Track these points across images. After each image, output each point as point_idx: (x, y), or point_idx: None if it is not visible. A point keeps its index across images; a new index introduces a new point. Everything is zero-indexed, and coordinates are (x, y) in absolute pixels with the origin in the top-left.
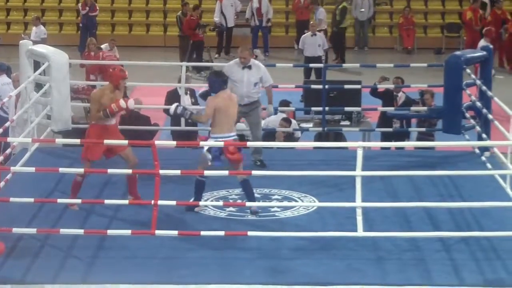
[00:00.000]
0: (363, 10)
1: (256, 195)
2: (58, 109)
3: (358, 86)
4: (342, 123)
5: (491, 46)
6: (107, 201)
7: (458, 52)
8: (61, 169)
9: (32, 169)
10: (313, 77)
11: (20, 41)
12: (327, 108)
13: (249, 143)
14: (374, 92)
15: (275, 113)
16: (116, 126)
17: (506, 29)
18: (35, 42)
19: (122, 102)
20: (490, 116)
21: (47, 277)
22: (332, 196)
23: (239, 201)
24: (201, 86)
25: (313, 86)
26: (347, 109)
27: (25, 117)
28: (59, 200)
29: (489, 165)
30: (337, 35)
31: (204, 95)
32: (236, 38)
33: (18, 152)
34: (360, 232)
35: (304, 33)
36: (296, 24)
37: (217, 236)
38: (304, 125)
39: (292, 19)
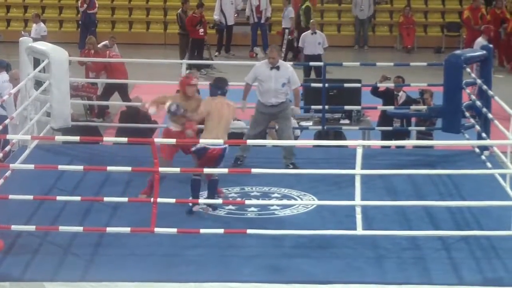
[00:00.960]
0: (362, 8)
1: (255, 193)
2: (57, 106)
3: (358, 85)
4: (342, 121)
5: (491, 45)
6: (106, 199)
7: (458, 51)
8: (60, 167)
9: (31, 166)
10: (313, 75)
11: (20, 38)
12: (327, 107)
13: (249, 141)
14: (375, 91)
15: None
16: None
17: (505, 29)
18: (35, 39)
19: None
20: (490, 115)
21: (46, 274)
22: (332, 195)
23: (238, 199)
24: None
25: (313, 85)
26: (347, 107)
27: (24, 114)
28: (58, 198)
29: (488, 164)
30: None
31: (174, 111)
32: (236, 36)
33: (17, 149)
34: (360, 231)
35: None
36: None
37: (216, 234)
38: (304, 123)
39: None
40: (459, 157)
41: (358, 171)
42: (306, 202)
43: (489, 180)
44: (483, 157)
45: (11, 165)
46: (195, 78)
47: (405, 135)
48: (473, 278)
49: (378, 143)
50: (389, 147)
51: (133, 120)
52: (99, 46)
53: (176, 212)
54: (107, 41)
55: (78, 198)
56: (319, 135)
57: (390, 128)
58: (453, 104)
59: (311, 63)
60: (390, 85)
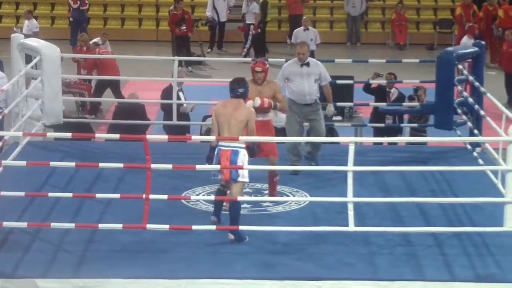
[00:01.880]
0: (355, 5)
1: (248, 189)
2: (49, 103)
3: (351, 82)
4: (334, 118)
5: (483, 42)
6: (98, 195)
7: (450, 48)
8: (52, 163)
9: (23, 163)
10: None
11: (12, 35)
12: None
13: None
14: (367, 88)
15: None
16: (270, 123)
17: (496, 25)
18: (27, 36)
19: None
20: (482, 112)
21: (38, 271)
22: (324, 191)
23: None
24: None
25: None
26: (339, 104)
27: (16, 110)
28: (50, 194)
29: (480, 161)
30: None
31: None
32: (228, 33)
33: (9, 145)
34: (352, 227)
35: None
36: (289, 18)
37: (209, 230)
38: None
39: (285, 13)
40: (451, 154)
41: (350, 167)
42: (299, 198)
43: (481, 176)
44: (475, 153)
45: (2, 161)
46: (261, 64)
47: (397, 132)
48: (465, 274)
49: (370, 139)
50: (381, 143)
51: (127, 116)
52: (90, 43)
53: (168, 209)
54: (98, 38)
55: (70, 194)
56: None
57: (382, 125)
58: (445, 101)
59: None
60: (383, 81)
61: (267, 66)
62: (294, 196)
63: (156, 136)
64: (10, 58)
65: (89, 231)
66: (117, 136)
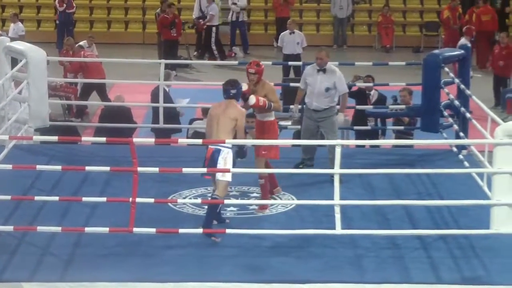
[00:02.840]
0: (341, 7)
1: (234, 193)
2: (35, 106)
3: None
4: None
5: (469, 45)
6: (85, 199)
7: (436, 51)
8: (39, 167)
9: (9, 166)
10: (292, 75)
11: None
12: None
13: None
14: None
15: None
16: (270, 124)
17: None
18: (12, 39)
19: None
20: (468, 115)
21: (24, 275)
22: (311, 194)
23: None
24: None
25: (292, 84)
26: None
27: (2, 114)
28: (37, 198)
29: (466, 163)
30: (206, 31)
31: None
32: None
33: None
34: (339, 230)
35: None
36: (276, 21)
37: (195, 234)
38: (283, 123)
39: (272, 16)
40: (437, 156)
41: (337, 170)
42: (285, 201)
43: (467, 179)
44: (460, 156)
45: None
46: (255, 65)
47: (380, 134)
48: (452, 277)
49: (357, 142)
50: (363, 146)
51: (113, 119)
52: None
53: (155, 212)
54: (85, 41)
55: (56, 198)
56: (298, 135)
57: (368, 127)
58: (432, 103)
59: (290, 63)
60: (370, 84)
61: (262, 67)
62: (281, 199)
63: (142, 139)
64: None
65: (75, 234)
66: (103, 139)
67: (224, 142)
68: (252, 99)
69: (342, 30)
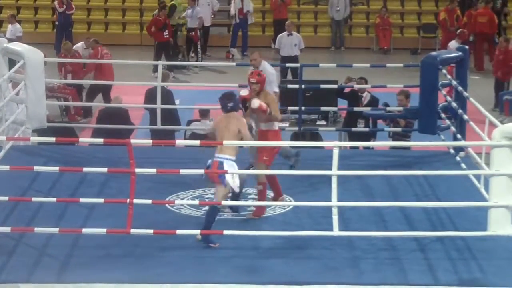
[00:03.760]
0: (339, 9)
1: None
2: (33, 107)
3: (334, 86)
4: (318, 122)
5: (467, 47)
6: (82, 200)
7: (434, 53)
8: (36, 168)
9: (6, 167)
10: (289, 76)
11: None
12: (303, 108)
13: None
14: (340, 93)
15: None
16: (273, 133)
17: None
18: (10, 40)
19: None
20: (465, 117)
21: (21, 276)
22: (308, 195)
23: (215, 200)
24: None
25: (289, 86)
26: (323, 108)
27: None
28: (34, 199)
29: (463, 165)
30: (175, 33)
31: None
32: (212, 37)
33: None
34: (336, 232)
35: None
36: (273, 23)
37: (193, 235)
38: (280, 124)
39: (269, 18)
40: (434, 158)
41: (334, 172)
42: (283, 203)
43: (464, 181)
44: (458, 158)
45: None
46: (256, 75)
47: (370, 136)
48: (449, 279)
49: (355, 144)
50: (357, 147)
51: (111, 120)
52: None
53: (152, 213)
54: (82, 42)
55: (53, 199)
56: (295, 136)
57: (366, 129)
58: (429, 105)
59: (288, 64)
60: (367, 86)
61: (263, 77)
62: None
63: (140, 141)
64: None
65: (73, 236)
66: (101, 140)
67: (221, 143)
68: (256, 103)
69: (340, 32)
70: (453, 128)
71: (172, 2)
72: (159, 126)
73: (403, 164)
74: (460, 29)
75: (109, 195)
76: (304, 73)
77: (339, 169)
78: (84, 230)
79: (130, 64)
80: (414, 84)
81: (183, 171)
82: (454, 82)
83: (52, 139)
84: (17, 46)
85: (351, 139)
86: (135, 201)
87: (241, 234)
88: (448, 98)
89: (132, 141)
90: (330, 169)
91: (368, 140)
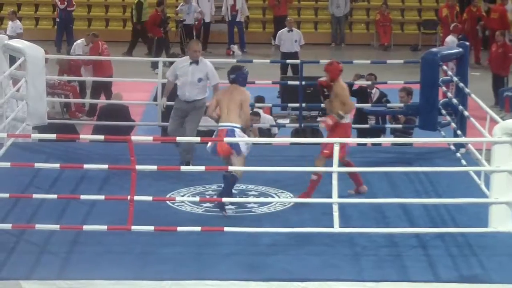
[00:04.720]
0: (339, 6)
1: (233, 190)
2: (33, 104)
3: None
4: (319, 119)
5: (467, 43)
6: (83, 197)
7: (434, 49)
8: (37, 165)
9: (7, 164)
10: (290, 73)
11: None
12: (304, 104)
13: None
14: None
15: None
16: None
17: (481, 26)
18: (11, 37)
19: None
20: (466, 113)
21: (22, 273)
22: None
23: (215, 196)
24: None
25: (290, 82)
26: (323, 105)
27: (0, 112)
28: (35, 196)
29: (464, 162)
30: (139, 30)
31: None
32: (212, 33)
33: None
34: (337, 228)
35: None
36: (273, 20)
37: (194, 231)
38: (281, 121)
39: (269, 15)
40: (435, 155)
41: (335, 168)
42: (283, 199)
43: (464, 177)
44: (458, 154)
45: None
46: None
47: (380, 132)
48: (449, 275)
49: (355, 140)
50: (365, 144)
51: (112, 117)
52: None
53: (153, 210)
54: (83, 39)
55: (54, 196)
56: (296, 133)
57: (367, 126)
58: (430, 101)
59: (288, 61)
60: (368, 83)
61: (334, 66)
62: (279, 197)
63: (140, 137)
64: None
65: (73, 232)
66: (101, 137)
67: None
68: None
69: (340, 28)
70: (453, 125)
71: (139, 0)
72: (159, 122)
73: (403, 160)
74: (454, 23)
75: (110, 192)
76: (304, 69)
77: (339, 165)
78: (85, 227)
79: (130, 60)
80: (414, 80)
81: (184, 168)
82: (455, 79)
83: (53, 136)
84: (17, 43)
85: (361, 136)
86: (136, 198)
87: (242, 230)
88: (449, 94)
89: (133, 137)
90: (331, 166)
91: (378, 136)
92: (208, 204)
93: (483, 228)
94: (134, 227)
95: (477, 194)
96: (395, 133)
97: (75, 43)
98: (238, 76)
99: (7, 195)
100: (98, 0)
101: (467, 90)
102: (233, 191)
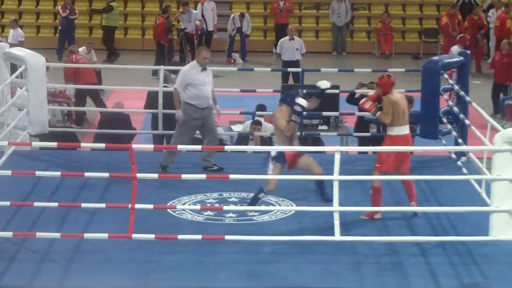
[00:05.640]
0: (340, 15)
1: (233, 199)
2: (34, 112)
3: (336, 91)
4: (320, 127)
5: (468, 52)
6: (84, 205)
7: (435, 57)
8: (38, 173)
9: (8, 172)
10: (291, 81)
11: None
12: (305, 113)
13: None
14: (350, 98)
15: (253, 118)
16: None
17: (482, 35)
18: (12, 45)
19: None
20: (467, 121)
21: (23, 281)
22: (310, 200)
23: (216, 205)
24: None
25: None
26: (325, 113)
27: (1, 120)
28: (36, 204)
29: (465, 170)
30: (107, 34)
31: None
32: (214, 42)
33: None
34: (338, 236)
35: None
36: (275, 28)
37: (194, 240)
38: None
39: (271, 23)
40: (436, 163)
41: (336, 176)
42: (284, 208)
43: (465, 185)
44: (459, 163)
45: None
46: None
47: (381, 140)
48: (450, 284)
49: (356, 149)
50: (366, 153)
51: (113, 125)
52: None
53: (154, 218)
54: (83, 47)
55: (55, 204)
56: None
57: (367, 134)
58: (431, 110)
59: (289, 69)
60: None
61: (385, 80)
62: (280, 205)
63: (141, 146)
64: None
65: (74, 240)
66: (102, 145)
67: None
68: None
69: (341, 36)
70: (454, 133)
71: (111, 4)
72: (160, 131)
73: None
74: (461, 34)
75: (110, 200)
76: (305, 78)
77: (341, 173)
78: (86, 235)
79: (131, 69)
80: (415, 89)
81: (184, 176)
82: (456, 87)
83: (54, 144)
84: (19, 51)
85: (362, 144)
86: (137, 206)
87: (243, 239)
88: (450, 103)
89: (134, 146)
90: (332, 174)
91: (379, 145)
92: (209, 213)
93: (484, 236)
94: (135, 235)
95: (478, 202)
96: None
97: (69, 49)
98: (285, 97)
99: (8, 203)
100: (99, 9)
101: (468, 98)
102: (234, 199)
